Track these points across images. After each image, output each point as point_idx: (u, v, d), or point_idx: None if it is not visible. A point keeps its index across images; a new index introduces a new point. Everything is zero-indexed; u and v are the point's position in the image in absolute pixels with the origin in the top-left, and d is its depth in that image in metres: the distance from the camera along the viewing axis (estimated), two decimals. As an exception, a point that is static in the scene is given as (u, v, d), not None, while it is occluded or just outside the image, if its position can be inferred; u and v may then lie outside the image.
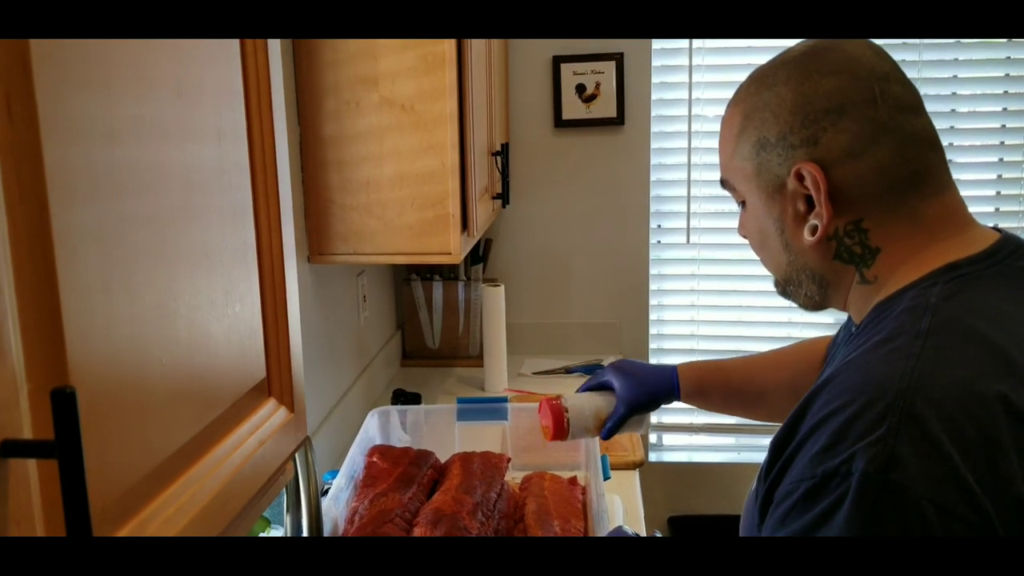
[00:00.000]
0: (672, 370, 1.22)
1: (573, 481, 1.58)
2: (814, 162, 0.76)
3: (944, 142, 0.79)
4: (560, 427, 1.21)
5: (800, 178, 0.77)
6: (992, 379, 0.64)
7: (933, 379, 0.65)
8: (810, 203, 0.78)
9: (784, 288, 0.86)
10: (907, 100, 0.77)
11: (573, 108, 2.50)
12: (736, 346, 2.64)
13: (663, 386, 1.20)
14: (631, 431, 1.25)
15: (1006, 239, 0.77)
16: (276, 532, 1.29)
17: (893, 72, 0.78)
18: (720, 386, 1.22)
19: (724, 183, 0.88)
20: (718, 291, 2.63)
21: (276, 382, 0.67)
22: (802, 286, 0.83)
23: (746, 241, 0.90)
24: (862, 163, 0.75)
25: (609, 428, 1.21)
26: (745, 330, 2.64)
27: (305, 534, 1.21)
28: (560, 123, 2.51)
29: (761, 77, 0.82)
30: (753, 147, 0.81)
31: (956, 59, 2.47)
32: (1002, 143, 2.51)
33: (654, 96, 2.52)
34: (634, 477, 1.80)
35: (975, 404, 0.63)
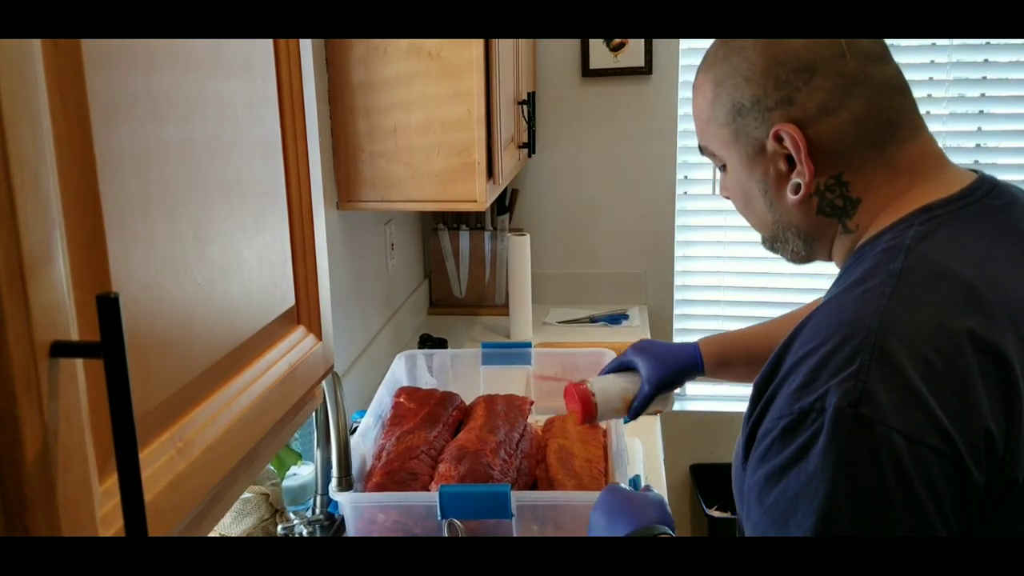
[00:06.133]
0: (694, 346, 1.22)
1: (595, 424, 1.61)
2: (791, 122, 0.77)
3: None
4: (588, 410, 1.21)
5: (779, 139, 0.78)
6: (961, 315, 0.66)
7: (903, 317, 0.66)
8: (791, 162, 0.79)
9: (771, 245, 0.89)
10: (874, 50, 0.78)
11: (601, 57, 2.49)
12: (762, 298, 2.64)
13: (686, 362, 1.21)
14: (657, 408, 1.24)
15: (982, 179, 0.78)
16: (307, 467, 1.34)
17: None
18: (742, 356, 1.22)
19: (703, 149, 0.90)
20: (744, 242, 2.62)
21: (305, 311, 0.70)
22: (788, 243, 0.86)
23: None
24: (838, 118, 0.76)
25: (636, 407, 1.21)
26: (771, 281, 2.64)
27: (334, 468, 1.26)
28: (587, 72, 2.50)
29: (729, 42, 0.82)
30: (728, 113, 0.82)
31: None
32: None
33: (683, 45, 2.49)
34: (655, 423, 1.83)
35: (944, 339, 0.65)
